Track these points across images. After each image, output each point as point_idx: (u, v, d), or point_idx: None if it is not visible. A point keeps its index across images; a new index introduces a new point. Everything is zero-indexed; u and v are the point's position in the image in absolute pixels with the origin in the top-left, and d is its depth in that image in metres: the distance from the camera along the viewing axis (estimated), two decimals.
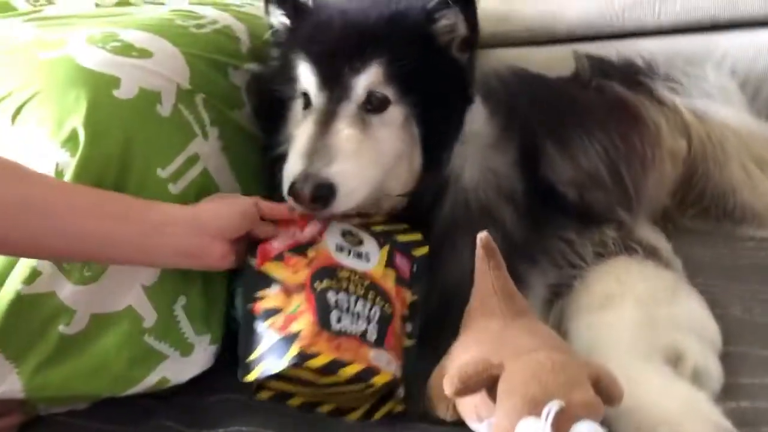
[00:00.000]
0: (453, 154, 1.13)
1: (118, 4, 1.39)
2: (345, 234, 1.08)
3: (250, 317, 0.99)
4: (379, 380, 0.95)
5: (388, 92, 1.10)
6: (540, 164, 1.29)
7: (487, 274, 0.98)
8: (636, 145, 1.63)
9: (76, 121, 0.95)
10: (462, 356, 0.94)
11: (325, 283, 1.00)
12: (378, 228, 1.12)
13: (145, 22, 1.17)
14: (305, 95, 1.14)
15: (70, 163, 0.94)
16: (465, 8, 1.11)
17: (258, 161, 1.19)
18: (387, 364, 0.97)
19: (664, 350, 1.05)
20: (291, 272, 1.01)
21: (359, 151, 1.06)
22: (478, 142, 1.18)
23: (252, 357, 0.96)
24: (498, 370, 0.82)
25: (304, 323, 0.95)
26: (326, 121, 1.07)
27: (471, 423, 0.91)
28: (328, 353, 0.93)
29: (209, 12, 1.29)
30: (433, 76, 1.12)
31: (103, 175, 0.96)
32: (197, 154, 1.07)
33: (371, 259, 1.07)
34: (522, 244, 1.18)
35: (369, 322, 0.99)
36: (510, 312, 0.97)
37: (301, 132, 1.09)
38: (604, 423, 0.81)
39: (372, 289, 1.03)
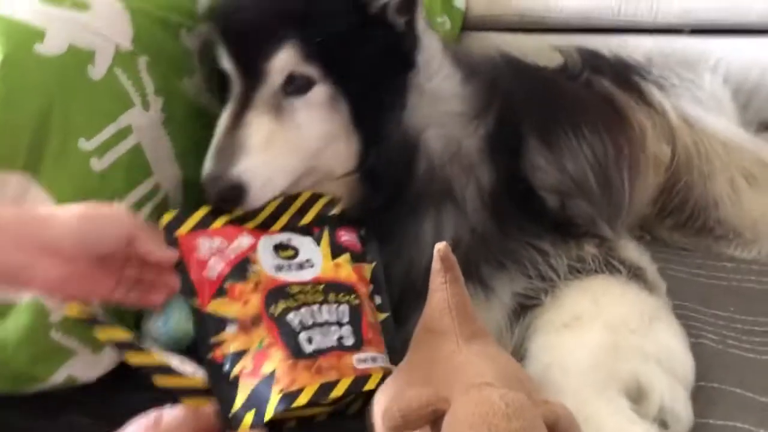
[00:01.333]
0: (404, 121, 1.04)
1: None
2: (278, 249, 0.97)
3: (216, 367, 0.87)
4: (371, 383, 0.89)
5: (311, 71, 0.99)
6: (520, 161, 1.20)
7: (442, 288, 0.88)
8: (624, 149, 1.54)
9: None
10: (406, 380, 0.84)
11: (281, 305, 0.90)
12: (307, 218, 1.02)
13: None
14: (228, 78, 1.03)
15: None
16: None
17: (204, 139, 1.06)
18: (374, 362, 0.91)
19: (624, 382, 0.96)
20: (241, 305, 0.90)
21: (271, 141, 0.97)
22: (442, 103, 1.09)
23: (234, 410, 0.85)
24: (444, 405, 0.73)
25: (275, 361, 0.86)
26: (240, 111, 0.98)
27: None
28: (312, 383, 0.85)
29: None
30: (364, 47, 1.00)
31: (15, 144, 0.85)
32: (130, 126, 0.96)
33: (315, 262, 0.97)
34: (487, 240, 1.09)
35: (341, 325, 0.92)
36: (464, 333, 0.86)
37: (219, 123, 1.00)
38: None
39: (330, 289, 0.94)
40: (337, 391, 0.86)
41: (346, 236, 1.02)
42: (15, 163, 0.84)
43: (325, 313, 0.92)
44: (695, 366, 1.07)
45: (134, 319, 0.97)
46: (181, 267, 0.90)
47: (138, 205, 0.97)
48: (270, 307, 0.90)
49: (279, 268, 0.94)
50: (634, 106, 1.69)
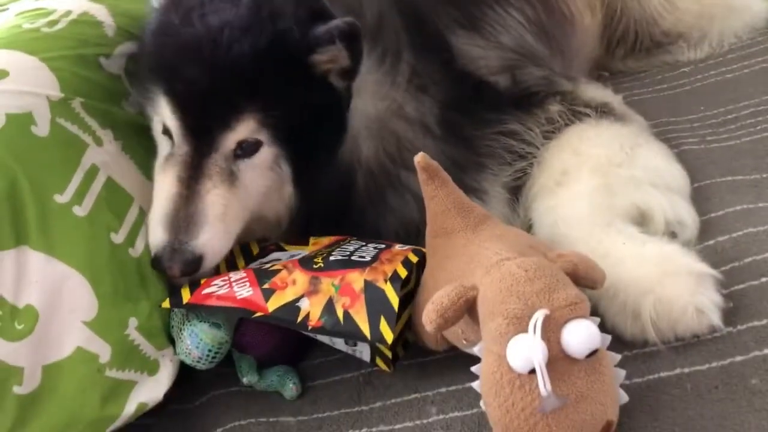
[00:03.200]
0: (339, 158, 1.05)
1: None
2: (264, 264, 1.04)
3: (322, 329, 0.91)
4: (413, 258, 0.97)
5: (262, 136, 1.00)
6: (456, 63, 1.22)
7: (435, 194, 0.93)
8: (552, 2, 1.55)
9: None
10: (432, 284, 0.90)
11: (318, 260, 0.98)
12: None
13: None
14: (164, 124, 1.02)
15: None
16: (350, 45, 0.98)
17: None
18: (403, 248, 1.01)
19: (626, 212, 1.01)
20: (293, 285, 0.95)
21: (227, 210, 0.98)
22: (370, 107, 1.09)
23: (370, 335, 0.88)
24: (473, 292, 0.78)
25: (356, 279, 0.93)
26: (191, 177, 0.97)
27: (464, 348, 0.88)
28: (390, 269, 0.93)
29: (59, 3, 1.15)
30: (308, 109, 1.01)
31: None
32: (95, 165, 0.98)
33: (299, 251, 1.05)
34: (458, 154, 1.12)
35: (362, 247, 1.02)
36: (470, 224, 0.92)
37: (162, 186, 0.99)
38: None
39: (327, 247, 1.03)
40: (402, 271, 0.93)
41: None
42: (5, 243, 0.87)
43: (345, 249, 1.00)
44: (686, 171, 1.13)
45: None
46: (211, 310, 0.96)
47: (135, 232, 1.00)
48: (312, 266, 0.96)
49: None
50: None
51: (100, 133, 1.02)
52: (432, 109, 1.13)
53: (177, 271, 0.96)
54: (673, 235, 1.01)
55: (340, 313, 0.90)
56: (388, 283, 0.90)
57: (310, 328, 0.91)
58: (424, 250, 1.00)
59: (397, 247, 1.02)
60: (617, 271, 0.89)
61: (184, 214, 0.96)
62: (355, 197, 1.08)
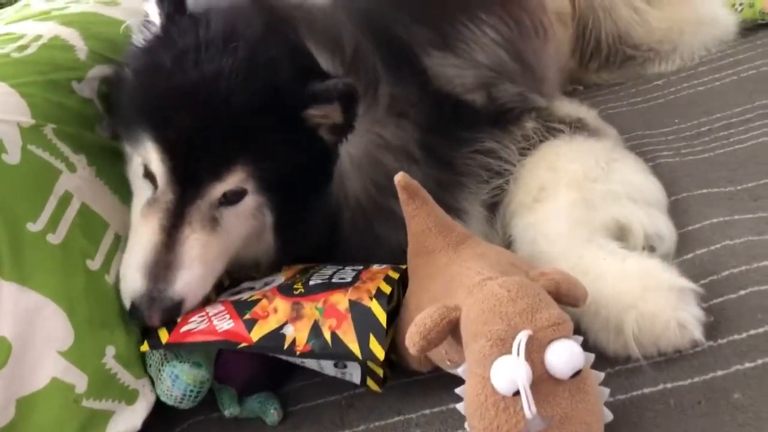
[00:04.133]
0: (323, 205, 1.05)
1: None
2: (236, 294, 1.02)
3: (312, 353, 0.90)
4: (394, 275, 0.97)
5: (248, 186, 0.99)
6: (432, 84, 1.21)
7: (416, 214, 0.92)
8: (524, 19, 1.56)
9: None
10: (415, 305, 0.89)
11: (298, 286, 0.97)
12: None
13: None
14: (146, 167, 0.99)
15: None
16: (347, 106, 0.98)
17: None
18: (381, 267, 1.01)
19: (605, 226, 1.02)
20: (275, 314, 0.93)
21: (205, 253, 0.97)
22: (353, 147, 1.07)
23: (360, 354, 0.87)
24: (455, 313, 0.78)
25: (341, 299, 0.92)
26: (172, 225, 0.96)
27: (447, 369, 0.87)
28: (373, 286, 0.93)
29: (29, 28, 1.14)
30: (296, 160, 0.99)
31: None
32: (69, 192, 0.96)
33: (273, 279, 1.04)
34: (437, 175, 1.12)
35: (339, 271, 1.01)
36: (451, 243, 0.92)
37: (143, 233, 0.97)
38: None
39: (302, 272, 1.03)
40: (385, 287, 0.93)
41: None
42: None
43: (323, 273, 0.99)
44: (662, 185, 1.14)
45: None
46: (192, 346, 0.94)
47: (109, 258, 0.98)
48: (292, 292, 0.95)
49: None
50: None
51: (73, 159, 1.00)
52: (413, 134, 1.12)
53: (156, 320, 0.95)
54: (651, 248, 1.02)
55: (327, 335, 0.89)
56: (374, 300, 0.90)
57: (298, 353, 0.89)
58: (403, 267, 0.99)
59: (375, 266, 1.01)
60: (598, 286, 0.89)
61: (164, 262, 0.95)
62: (341, 232, 1.07)
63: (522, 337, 0.69)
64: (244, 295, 0.98)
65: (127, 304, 0.96)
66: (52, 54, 1.09)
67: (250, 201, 1.00)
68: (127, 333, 0.97)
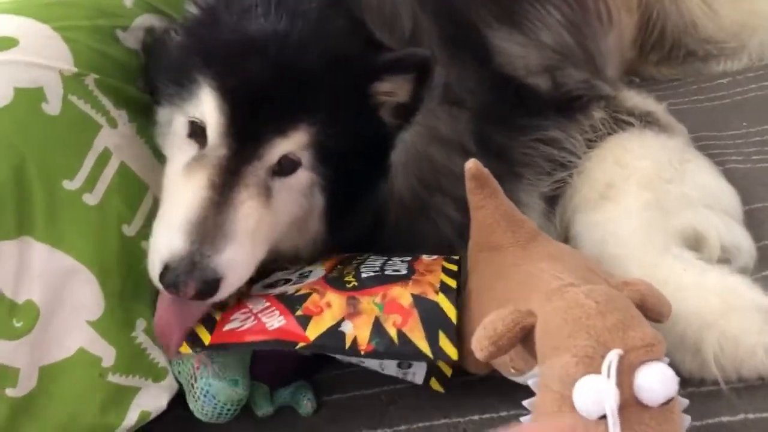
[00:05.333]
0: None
1: None
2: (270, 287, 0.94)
3: (376, 353, 0.82)
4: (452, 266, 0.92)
5: (303, 156, 0.90)
6: (494, 62, 1.14)
7: (483, 205, 0.85)
8: (588, 3, 1.48)
9: None
10: (477, 305, 0.83)
11: (349, 278, 0.90)
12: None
13: None
14: (194, 124, 0.90)
15: None
16: (419, 79, 0.90)
17: None
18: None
19: (681, 234, 0.95)
20: (328, 309, 0.85)
21: (258, 227, 0.86)
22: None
23: (428, 352, 0.80)
24: (530, 320, 0.71)
25: (402, 292, 0.85)
26: (225, 183, 0.84)
27: (509, 376, 0.81)
28: (435, 277, 0.88)
29: None
30: (355, 140, 0.91)
31: (1, 207, 0.78)
32: (108, 149, 0.90)
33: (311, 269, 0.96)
34: (496, 163, 1.02)
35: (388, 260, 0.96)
36: (520, 241, 0.85)
37: (188, 189, 0.85)
38: None
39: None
40: (450, 281, 0.87)
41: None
42: (6, 232, 0.79)
43: (371, 264, 0.92)
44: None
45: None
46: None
47: (147, 224, 0.91)
48: (345, 285, 0.87)
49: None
50: None
51: (114, 114, 0.94)
52: (468, 125, 1.04)
53: (191, 290, 0.81)
54: (725, 261, 0.95)
55: (392, 333, 0.81)
56: (441, 294, 0.83)
57: (363, 353, 0.82)
58: (455, 258, 0.93)
59: (425, 257, 0.94)
60: (676, 299, 0.82)
61: (213, 223, 0.82)
62: (383, 229, 1.00)
63: (613, 357, 0.62)
64: (287, 289, 0.90)
65: (158, 268, 0.82)
66: None
67: (303, 176, 0.92)
68: None
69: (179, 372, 0.91)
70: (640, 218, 0.96)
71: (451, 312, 0.82)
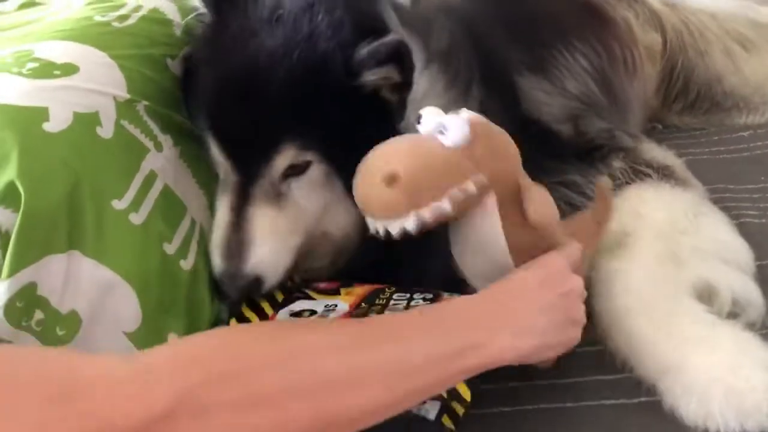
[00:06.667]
0: None
1: (21, 7, 1.20)
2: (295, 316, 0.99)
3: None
4: None
5: (309, 156, 0.98)
6: (521, 107, 1.20)
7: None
8: (615, 49, 1.53)
9: (10, 173, 0.81)
10: None
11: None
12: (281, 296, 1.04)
13: (60, 27, 1.00)
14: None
15: (13, 221, 0.81)
16: (400, 63, 0.95)
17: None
18: None
19: (693, 285, 0.99)
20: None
21: (276, 228, 0.98)
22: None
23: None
24: None
25: None
26: (239, 204, 0.98)
27: None
28: None
29: None
30: (357, 125, 0.97)
31: (53, 225, 0.83)
32: (154, 171, 0.95)
33: (335, 303, 0.99)
34: None
35: None
36: None
37: (218, 214, 1.01)
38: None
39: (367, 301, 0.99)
40: None
41: (323, 284, 1.05)
42: (58, 246, 0.84)
43: (397, 303, 0.96)
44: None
45: None
46: None
47: (187, 243, 0.97)
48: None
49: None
50: (612, 2, 1.67)
51: (161, 138, 0.99)
52: None
53: (235, 295, 0.98)
54: (734, 315, 0.98)
55: None
56: None
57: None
58: None
59: (445, 295, 0.98)
60: (685, 351, 0.86)
61: (235, 241, 0.97)
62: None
63: None
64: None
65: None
66: (150, 27, 1.08)
67: (317, 170, 0.99)
68: (190, 322, 0.96)
69: None
70: (652, 270, 1.00)
71: None
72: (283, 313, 0.99)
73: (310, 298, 1.02)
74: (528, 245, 0.86)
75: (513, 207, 0.85)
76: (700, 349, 0.88)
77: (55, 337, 0.84)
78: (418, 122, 0.86)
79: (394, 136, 0.97)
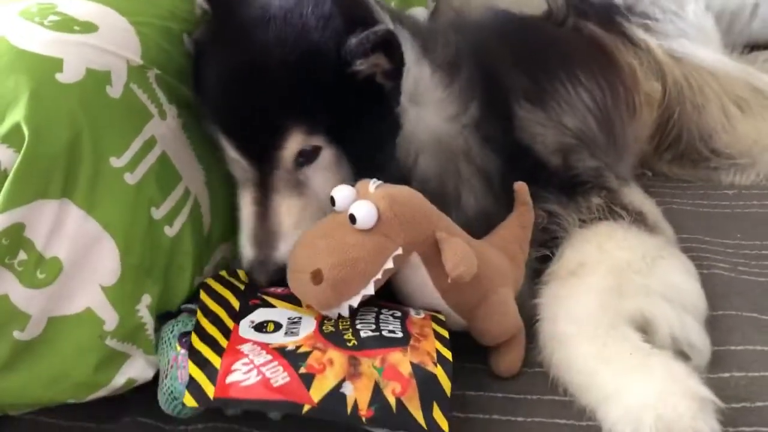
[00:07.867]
0: (397, 155, 1.09)
1: None
2: (259, 329, 0.94)
3: (381, 415, 0.82)
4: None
5: (318, 141, 1.03)
6: (515, 134, 1.24)
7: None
8: (619, 90, 1.57)
9: (18, 115, 0.85)
10: None
11: (349, 337, 0.91)
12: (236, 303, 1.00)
13: None
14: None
15: (13, 161, 0.85)
16: (388, 51, 1.00)
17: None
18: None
19: (630, 317, 1.02)
20: (331, 368, 0.85)
21: (301, 217, 1.03)
22: (430, 119, 1.12)
23: (425, 422, 0.83)
24: None
25: (399, 358, 0.87)
26: (262, 196, 1.04)
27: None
28: (430, 343, 0.94)
29: None
30: (358, 109, 1.03)
31: (50, 171, 0.87)
32: (154, 137, 0.98)
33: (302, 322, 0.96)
34: (493, 220, 1.13)
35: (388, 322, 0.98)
36: None
37: (243, 207, 1.06)
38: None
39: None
40: (446, 353, 0.91)
41: (279, 289, 1.03)
42: (52, 192, 0.87)
43: (366, 321, 0.95)
44: (711, 296, 1.13)
45: None
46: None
47: (175, 211, 1.00)
48: (345, 344, 0.89)
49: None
50: (620, 47, 1.72)
51: (166, 107, 1.02)
52: (497, 165, 1.16)
53: (265, 282, 1.02)
54: (684, 356, 1.01)
55: (392, 401, 0.82)
56: (439, 366, 0.87)
57: (364, 420, 0.81)
58: (441, 316, 0.99)
59: (412, 313, 0.98)
60: (621, 379, 0.91)
61: (263, 231, 1.03)
62: None
63: None
64: (285, 342, 0.89)
65: (247, 271, 1.05)
66: (173, 2, 1.12)
67: (328, 154, 1.04)
68: (166, 289, 0.99)
69: (159, 360, 0.96)
70: (596, 298, 1.03)
71: (446, 385, 0.86)
72: (245, 323, 0.94)
73: (269, 305, 0.99)
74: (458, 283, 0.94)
75: (438, 256, 0.94)
76: (634, 377, 0.91)
77: (35, 279, 0.88)
78: (333, 204, 0.96)
79: (392, 118, 1.06)
